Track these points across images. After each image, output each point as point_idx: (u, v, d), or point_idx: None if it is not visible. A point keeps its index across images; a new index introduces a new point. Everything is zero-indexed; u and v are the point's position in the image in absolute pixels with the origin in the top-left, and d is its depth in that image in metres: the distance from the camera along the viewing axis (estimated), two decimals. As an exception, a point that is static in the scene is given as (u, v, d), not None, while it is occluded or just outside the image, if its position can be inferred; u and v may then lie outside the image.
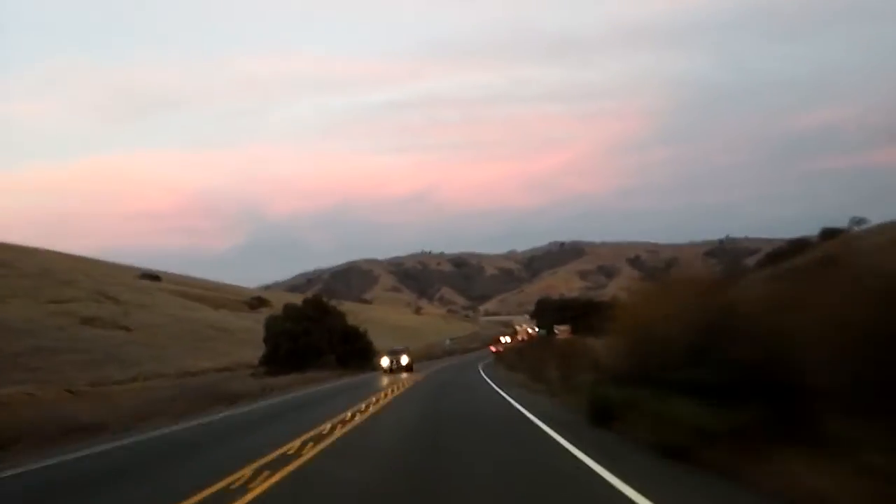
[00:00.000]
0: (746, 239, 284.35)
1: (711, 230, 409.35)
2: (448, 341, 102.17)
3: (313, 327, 50.47)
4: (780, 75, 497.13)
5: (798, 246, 70.34)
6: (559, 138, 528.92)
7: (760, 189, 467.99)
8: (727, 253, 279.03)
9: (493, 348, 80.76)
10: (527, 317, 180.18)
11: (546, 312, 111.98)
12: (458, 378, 34.40)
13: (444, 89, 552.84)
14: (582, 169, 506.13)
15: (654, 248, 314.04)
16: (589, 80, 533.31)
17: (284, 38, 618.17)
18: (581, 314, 73.48)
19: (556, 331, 71.17)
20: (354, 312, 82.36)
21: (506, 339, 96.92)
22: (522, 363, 32.10)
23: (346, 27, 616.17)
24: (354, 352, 54.70)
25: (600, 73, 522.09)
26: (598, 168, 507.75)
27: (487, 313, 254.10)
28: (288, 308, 55.16)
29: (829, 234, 66.82)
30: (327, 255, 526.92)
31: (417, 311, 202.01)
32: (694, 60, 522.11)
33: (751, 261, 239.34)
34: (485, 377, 33.00)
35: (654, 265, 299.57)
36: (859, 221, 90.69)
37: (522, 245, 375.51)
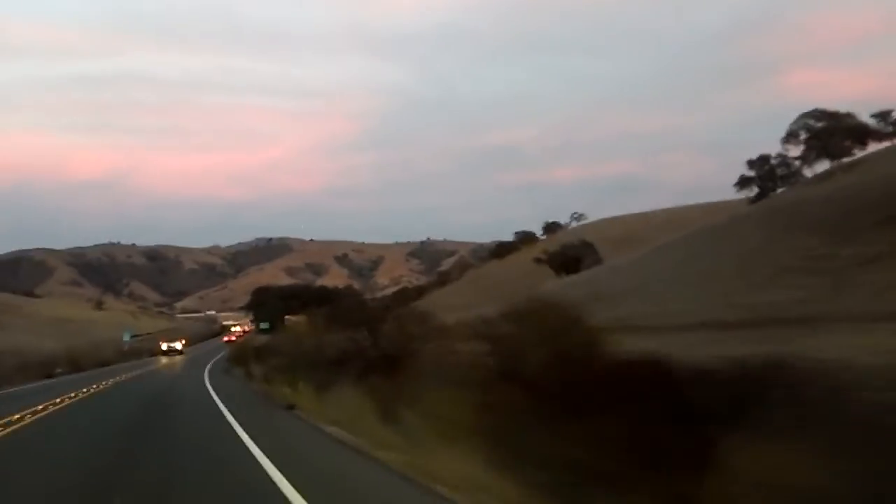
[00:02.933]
0: (445, 241, 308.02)
1: (413, 232, 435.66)
2: (128, 337, 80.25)
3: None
4: (477, 94, 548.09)
5: (525, 239, 78.00)
6: (267, 133, 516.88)
7: (457, 196, 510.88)
8: (428, 254, 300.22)
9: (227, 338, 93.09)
10: (233, 313, 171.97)
11: (267, 303, 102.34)
12: None
13: (144, 69, 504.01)
14: (290, 166, 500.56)
15: (360, 248, 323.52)
16: (299, 77, 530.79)
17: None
18: (310, 303, 69.71)
19: (286, 322, 66.84)
20: (16, 307, 69.35)
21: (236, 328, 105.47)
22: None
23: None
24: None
25: (311, 72, 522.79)
26: (306, 166, 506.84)
27: (185, 310, 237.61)
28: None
29: (550, 227, 75.18)
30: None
31: (98, 305, 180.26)
32: (402, 72, 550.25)
33: (448, 262, 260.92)
34: None
35: (361, 263, 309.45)
36: (579, 217, 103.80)
37: (226, 240, 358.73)
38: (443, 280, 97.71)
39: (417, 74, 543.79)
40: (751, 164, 50.62)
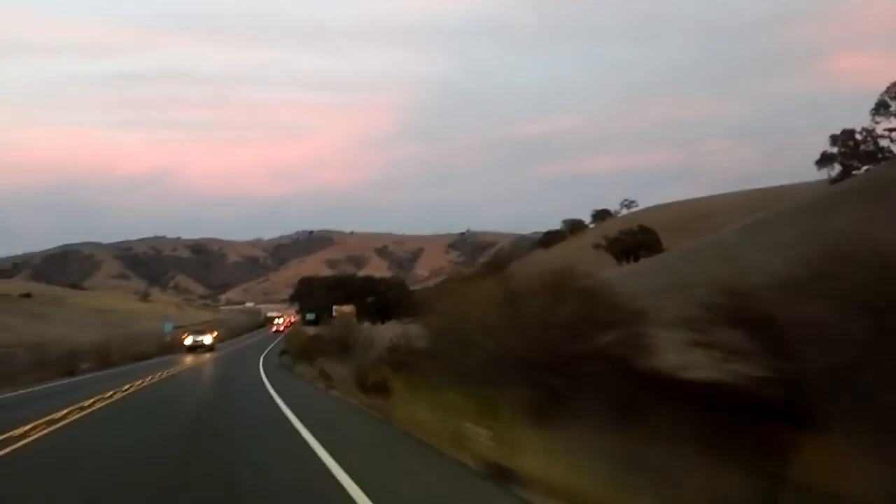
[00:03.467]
0: (485, 233, 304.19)
1: (453, 224, 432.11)
2: (169, 328, 71.88)
3: None
4: (516, 85, 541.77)
5: (574, 227, 74.45)
6: (309, 127, 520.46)
7: (496, 188, 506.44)
8: (468, 245, 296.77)
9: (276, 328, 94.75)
10: (275, 305, 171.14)
11: (312, 294, 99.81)
12: None
13: (187, 65, 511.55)
14: (331, 160, 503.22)
15: (400, 240, 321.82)
16: (339, 70, 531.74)
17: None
18: (355, 293, 67.82)
19: (334, 313, 64.05)
20: (60, 298, 68.09)
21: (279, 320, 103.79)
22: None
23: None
24: None
25: (350, 65, 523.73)
26: (346, 159, 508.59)
27: (230, 302, 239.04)
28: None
29: (599, 215, 71.59)
30: (41, 238, 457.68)
31: (144, 297, 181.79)
32: (440, 63, 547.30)
33: (488, 253, 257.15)
34: None
35: (402, 255, 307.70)
36: (629, 204, 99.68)
37: (269, 233, 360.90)
38: (487, 271, 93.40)
39: (457, 66, 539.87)
40: (834, 139, 45.94)
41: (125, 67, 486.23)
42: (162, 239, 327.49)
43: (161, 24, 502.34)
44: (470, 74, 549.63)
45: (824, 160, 45.91)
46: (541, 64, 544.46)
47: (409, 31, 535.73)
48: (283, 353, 37.47)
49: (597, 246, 59.97)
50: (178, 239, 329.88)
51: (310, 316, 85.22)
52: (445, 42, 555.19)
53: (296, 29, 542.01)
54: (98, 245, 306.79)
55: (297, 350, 31.77)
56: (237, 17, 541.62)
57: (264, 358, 37.60)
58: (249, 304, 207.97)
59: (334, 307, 67.23)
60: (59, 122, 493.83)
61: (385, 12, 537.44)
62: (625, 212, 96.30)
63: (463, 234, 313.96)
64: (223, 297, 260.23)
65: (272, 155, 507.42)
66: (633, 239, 56.03)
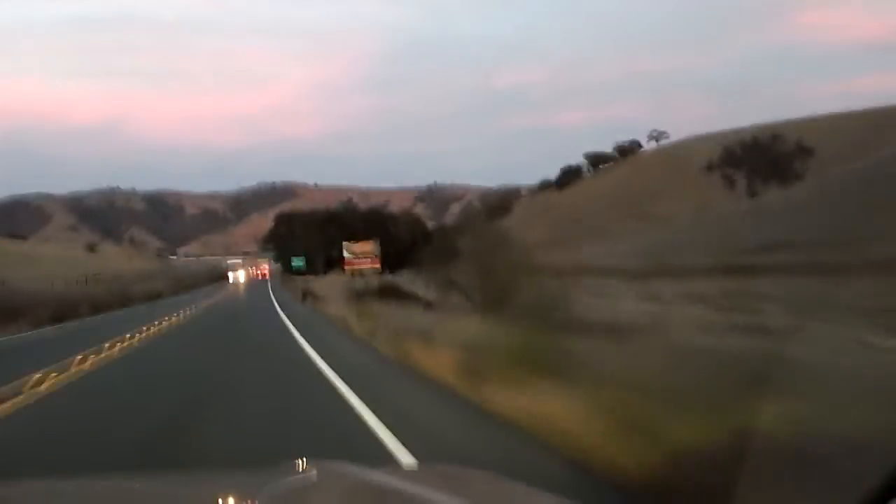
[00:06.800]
0: (452, 185, 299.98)
1: (419, 177, 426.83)
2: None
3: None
4: (481, 34, 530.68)
5: (595, 160, 70.33)
6: (267, 75, 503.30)
7: (462, 140, 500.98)
8: (435, 198, 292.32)
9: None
10: (239, 259, 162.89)
11: (294, 235, 79.47)
12: None
13: (142, 10, 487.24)
14: (291, 110, 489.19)
15: (366, 193, 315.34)
16: (299, 16, 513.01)
17: None
18: (359, 231, 55.11)
19: (346, 253, 47.36)
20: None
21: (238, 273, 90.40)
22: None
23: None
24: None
25: (311, 11, 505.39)
26: (308, 110, 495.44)
27: (188, 255, 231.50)
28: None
29: (624, 150, 67.34)
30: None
31: (91, 248, 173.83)
32: (403, 10, 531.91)
33: (457, 206, 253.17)
34: None
35: (368, 208, 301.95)
36: (658, 136, 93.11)
37: (228, 185, 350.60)
38: (491, 216, 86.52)
39: (421, 14, 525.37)
40: None
41: (79, 12, 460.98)
42: (116, 190, 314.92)
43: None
44: (433, 23, 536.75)
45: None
46: (507, 13, 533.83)
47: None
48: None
49: (709, 167, 49.89)
50: (133, 190, 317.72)
51: (297, 262, 71.89)
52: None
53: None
54: (49, 196, 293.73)
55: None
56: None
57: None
58: (214, 258, 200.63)
59: (345, 246, 47.77)
60: (6, 69, 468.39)
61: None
62: (653, 144, 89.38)
63: (430, 186, 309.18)
64: (181, 251, 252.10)
65: (230, 104, 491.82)
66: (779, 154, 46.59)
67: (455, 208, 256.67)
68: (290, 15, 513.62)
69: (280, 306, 32.22)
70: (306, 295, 35.75)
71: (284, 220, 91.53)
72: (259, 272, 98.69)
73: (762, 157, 50.47)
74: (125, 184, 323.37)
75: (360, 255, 46.71)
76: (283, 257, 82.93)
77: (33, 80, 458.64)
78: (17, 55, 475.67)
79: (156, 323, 22.19)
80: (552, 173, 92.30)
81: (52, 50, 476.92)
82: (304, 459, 2.50)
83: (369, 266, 44.97)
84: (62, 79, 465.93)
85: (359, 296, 25.47)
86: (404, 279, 37.53)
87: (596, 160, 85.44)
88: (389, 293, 26.76)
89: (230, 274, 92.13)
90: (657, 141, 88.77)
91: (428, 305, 20.84)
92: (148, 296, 49.90)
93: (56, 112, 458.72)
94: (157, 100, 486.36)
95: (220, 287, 73.92)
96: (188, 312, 29.28)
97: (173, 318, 25.14)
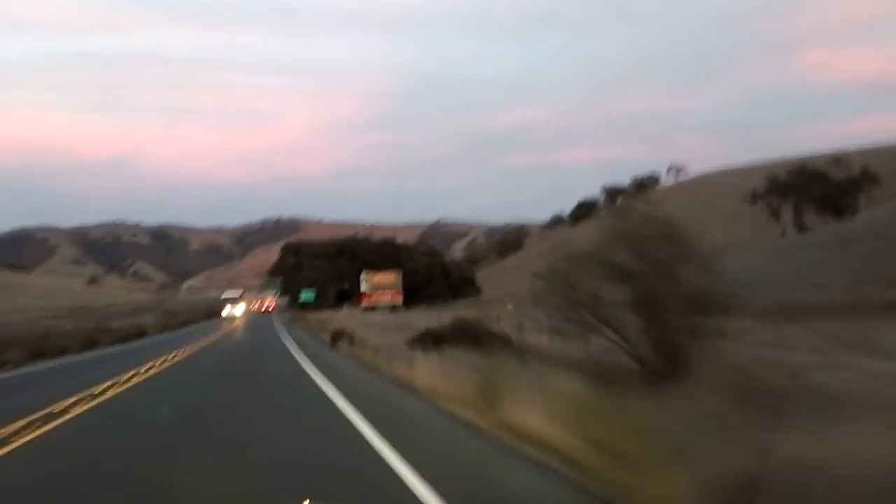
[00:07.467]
0: (457, 223, 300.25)
1: (424, 213, 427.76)
2: None
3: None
4: (488, 75, 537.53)
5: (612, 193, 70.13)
6: (276, 113, 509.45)
7: (467, 177, 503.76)
8: (440, 234, 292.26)
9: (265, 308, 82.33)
10: (236, 292, 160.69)
11: (303, 266, 73.42)
12: None
13: (153, 47, 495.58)
14: (299, 147, 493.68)
15: (370, 229, 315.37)
16: (308, 55, 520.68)
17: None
18: (374, 262, 52.72)
19: (364, 285, 43.93)
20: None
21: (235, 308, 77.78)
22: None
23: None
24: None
25: (320, 51, 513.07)
26: (315, 147, 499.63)
27: (192, 290, 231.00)
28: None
29: (642, 184, 67.09)
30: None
31: (92, 281, 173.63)
32: (413, 52, 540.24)
33: (461, 243, 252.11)
34: None
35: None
36: (679, 170, 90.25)
37: (233, 220, 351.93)
38: (502, 251, 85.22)
39: (428, 54, 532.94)
40: None
41: (89, 48, 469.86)
42: (121, 224, 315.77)
43: (127, 4, 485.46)
44: (441, 64, 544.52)
45: None
46: (513, 54, 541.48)
47: (380, 17, 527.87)
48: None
49: (754, 198, 47.52)
50: (139, 224, 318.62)
51: (306, 295, 67.18)
52: (417, 29, 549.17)
53: (265, 13, 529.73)
54: (54, 229, 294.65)
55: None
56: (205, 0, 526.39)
57: None
58: (217, 292, 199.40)
59: (364, 277, 44.09)
60: (18, 103, 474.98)
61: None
62: (671, 180, 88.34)
63: (434, 223, 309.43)
64: (185, 285, 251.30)
65: (238, 140, 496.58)
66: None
67: (459, 245, 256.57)
68: (300, 53, 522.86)
69: (305, 355, 20.41)
70: (337, 338, 24.47)
71: (292, 251, 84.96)
72: (264, 306, 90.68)
73: (816, 187, 48.01)
74: (131, 218, 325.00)
75: (381, 287, 43.16)
76: (289, 290, 77.04)
77: (42, 114, 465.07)
78: (26, 89, 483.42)
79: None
80: (556, 210, 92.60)
81: (62, 85, 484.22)
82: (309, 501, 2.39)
83: (390, 300, 42.26)
84: (71, 113, 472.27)
85: (432, 341, 18.11)
86: (426, 315, 32.38)
87: (613, 194, 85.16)
88: (464, 335, 18.23)
89: (227, 307, 75.64)
90: (677, 174, 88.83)
91: (541, 358, 13.64)
92: (124, 336, 38.51)
93: (64, 146, 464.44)
94: (165, 135, 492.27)
95: (219, 324, 56.97)
96: (150, 371, 16.77)
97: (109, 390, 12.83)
